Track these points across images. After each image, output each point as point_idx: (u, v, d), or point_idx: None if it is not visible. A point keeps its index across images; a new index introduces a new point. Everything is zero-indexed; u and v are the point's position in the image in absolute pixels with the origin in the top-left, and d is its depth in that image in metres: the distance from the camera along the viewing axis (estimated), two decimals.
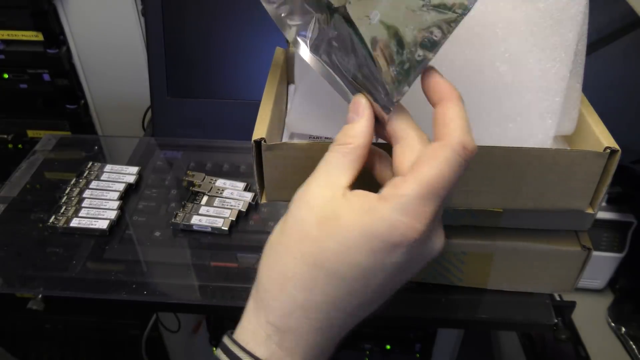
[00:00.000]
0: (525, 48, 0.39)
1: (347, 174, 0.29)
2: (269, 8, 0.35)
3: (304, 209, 0.29)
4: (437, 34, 0.29)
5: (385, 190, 0.27)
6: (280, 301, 0.28)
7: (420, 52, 0.29)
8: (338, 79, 0.34)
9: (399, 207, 0.26)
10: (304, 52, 0.35)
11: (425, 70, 0.30)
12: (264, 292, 0.29)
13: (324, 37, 0.34)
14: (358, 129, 0.30)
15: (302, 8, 0.34)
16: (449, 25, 0.29)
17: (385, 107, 0.31)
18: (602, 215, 0.69)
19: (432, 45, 0.29)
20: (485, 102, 0.40)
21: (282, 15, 0.35)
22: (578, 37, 0.39)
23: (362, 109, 0.31)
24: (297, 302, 0.28)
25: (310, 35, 0.35)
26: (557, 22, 0.38)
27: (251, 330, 0.30)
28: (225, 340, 0.31)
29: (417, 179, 0.26)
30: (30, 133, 1.06)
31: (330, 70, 0.34)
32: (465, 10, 0.28)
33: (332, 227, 0.27)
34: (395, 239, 0.26)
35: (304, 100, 0.43)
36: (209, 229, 0.63)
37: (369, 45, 0.31)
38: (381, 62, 0.31)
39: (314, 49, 0.35)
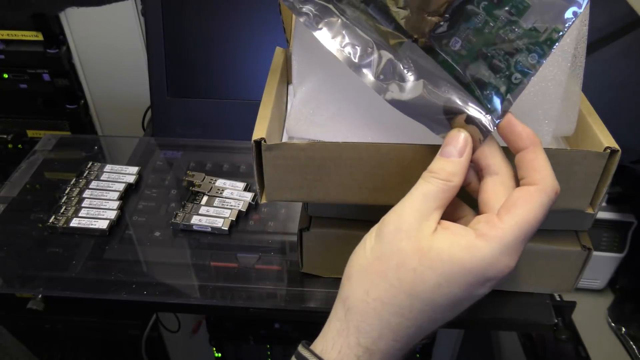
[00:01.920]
0: None
1: (441, 209, 0.31)
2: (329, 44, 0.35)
3: (403, 239, 0.29)
4: (531, 58, 0.30)
5: (483, 228, 0.29)
6: (375, 325, 0.30)
7: (517, 75, 0.30)
8: (435, 99, 0.33)
9: (498, 247, 0.28)
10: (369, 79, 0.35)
11: (506, 116, 0.31)
12: (358, 315, 0.30)
13: (394, 66, 0.34)
14: (459, 167, 0.31)
15: (358, 35, 0.35)
16: (545, 50, 0.30)
17: (486, 129, 0.31)
18: (602, 215, 0.69)
19: (527, 71, 0.30)
20: None
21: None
22: (576, 41, 0.39)
23: (464, 146, 0.31)
24: (391, 326, 0.29)
25: (374, 66, 0.35)
26: None
27: (337, 350, 0.30)
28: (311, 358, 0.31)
29: (516, 221, 0.28)
30: (30, 133, 1.06)
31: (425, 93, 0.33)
32: (561, 33, 0.29)
33: (432, 260, 0.29)
34: (490, 275, 0.29)
35: (303, 105, 0.43)
36: (209, 229, 0.63)
37: (461, 71, 0.32)
38: (474, 87, 0.32)
39: (381, 78, 0.34)
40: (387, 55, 0.34)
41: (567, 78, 0.39)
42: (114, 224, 0.64)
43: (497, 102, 0.31)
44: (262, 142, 0.37)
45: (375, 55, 0.35)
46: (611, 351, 0.68)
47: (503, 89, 0.31)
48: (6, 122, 1.06)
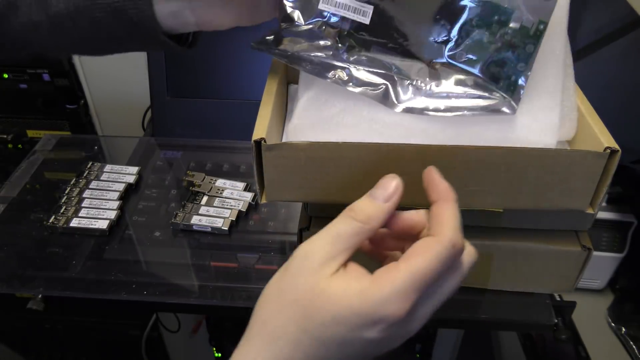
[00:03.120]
0: None
1: (350, 250, 0.31)
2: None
3: (303, 276, 0.30)
4: (528, 49, 0.38)
5: (379, 273, 0.30)
6: (270, 353, 0.31)
7: (521, 63, 0.38)
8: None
9: (388, 292, 0.29)
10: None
11: (427, 169, 0.33)
12: (258, 341, 0.31)
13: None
14: (380, 212, 0.32)
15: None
16: (537, 40, 0.37)
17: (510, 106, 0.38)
18: (602, 215, 0.69)
19: (528, 57, 0.38)
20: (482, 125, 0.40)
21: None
22: (565, 50, 0.40)
23: (392, 193, 0.32)
24: (283, 354, 0.30)
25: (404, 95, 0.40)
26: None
27: None
28: None
29: (410, 269, 0.29)
30: (30, 133, 1.06)
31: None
32: (545, 23, 0.37)
33: (323, 301, 0.30)
34: (378, 318, 0.29)
35: (303, 111, 0.43)
36: (209, 229, 0.63)
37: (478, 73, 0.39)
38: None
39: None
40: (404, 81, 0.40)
41: (562, 85, 0.40)
42: (114, 224, 0.64)
43: (511, 87, 0.38)
44: (262, 142, 0.37)
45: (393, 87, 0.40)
46: (611, 351, 0.68)
47: (513, 77, 0.38)
48: (6, 122, 1.06)
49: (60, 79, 0.99)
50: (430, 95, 0.39)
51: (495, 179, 0.39)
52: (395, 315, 0.29)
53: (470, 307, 0.54)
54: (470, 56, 0.39)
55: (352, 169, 0.39)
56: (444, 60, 0.40)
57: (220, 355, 1.09)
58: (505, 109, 0.39)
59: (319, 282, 0.30)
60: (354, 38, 0.40)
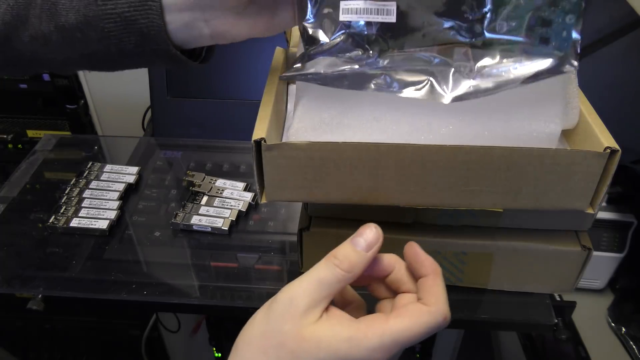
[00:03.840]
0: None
1: (332, 296, 0.33)
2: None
3: (288, 321, 0.31)
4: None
5: (366, 323, 0.31)
6: None
7: (570, 15, 0.35)
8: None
9: (375, 344, 0.30)
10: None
11: (408, 245, 0.35)
12: None
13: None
14: (362, 260, 0.33)
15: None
16: None
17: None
18: (602, 215, 0.69)
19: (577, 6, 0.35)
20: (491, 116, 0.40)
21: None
22: None
23: (373, 242, 0.33)
24: None
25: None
26: None
27: None
28: None
29: (400, 327, 0.31)
30: (30, 133, 1.06)
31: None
32: None
33: (311, 347, 0.31)
34: None
35: (304, 113, 0.43)
36: (209, 229, 0.63)
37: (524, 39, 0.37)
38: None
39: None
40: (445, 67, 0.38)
41: (564, 78, 0.40)
42: (114, 224, 0.64)
43: (565, 43, 0.36)
44: (262, 142, 0.37)
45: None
46: (611, 351, 0.68)
47: (564, 33, 0.35)
48: (6, 122, 1.06)
49: (60, 79, 0.99)
50: (478, 76, 0.37)
51: (495, 179, 0.39)
52: None
53: (470, 307, 0.54)
54: (512, 23, 0.36)
55: (352, 169, 0.39)
56: (484, 37, 0.37)
57: (220, 355, 1.09)
58: (566, 67, 0.36)
59: (307, 328, 0.31)
60: (384, 40, 0.38)
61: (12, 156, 1.07)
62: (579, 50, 0.35)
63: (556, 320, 0.53)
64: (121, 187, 0.69)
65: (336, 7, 0.37)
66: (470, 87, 0.37)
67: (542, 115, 0.40)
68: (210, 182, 0.69)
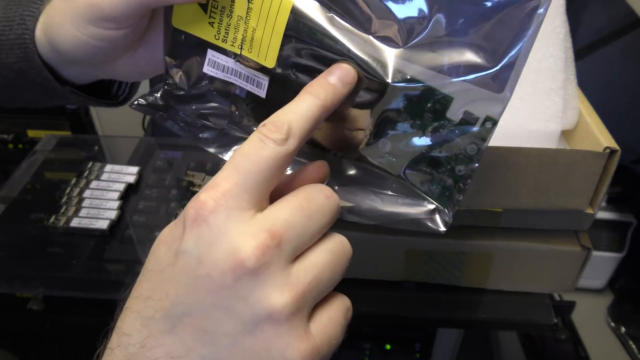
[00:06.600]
0: None
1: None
2: None
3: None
4: (470, 150, 0.28)
5: None
6: None
7: (460, 167, 0.28)
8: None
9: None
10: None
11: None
12: None
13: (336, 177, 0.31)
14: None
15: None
16: (482, 141, 0.27)
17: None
18: (602, 215, 0.69)
19: (470, 160, 0.27)
20: None
21: None
22: (565, 30, 0.39)
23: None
24: None
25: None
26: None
27: None
28: None
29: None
30: (30, 133, 1.06)
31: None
32: (494, 123, 0.27)
33: None
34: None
35: None
36: None
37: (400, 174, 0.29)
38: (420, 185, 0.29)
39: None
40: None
41: (564, 66, 0.40)
42: (114, 224, 0.64)
43: (444, 197, 0.29)
44: None
45: None
46: (611, 351, 0.68)
47: (449, 182, 0.28)
48: (6, 122, 1.06)
49: None
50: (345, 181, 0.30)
51: (495, 179, 0.39)
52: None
53: (470, 307, 0.54)
54: (391, 152, 0.28)
55: None
56: (355, 155, 0.29)
57: None
58: (435, 223, 0.29)
59: None
60: (250, 109, 0.31)
61: (13, 156, 1.07)
62: (456, 206, 0.29)
63: (556, 320, 0.53)
64: (121, 187, 0.69)
65: (203, 56, 0.31)
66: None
67: (542, 115, 0.40)
68: None
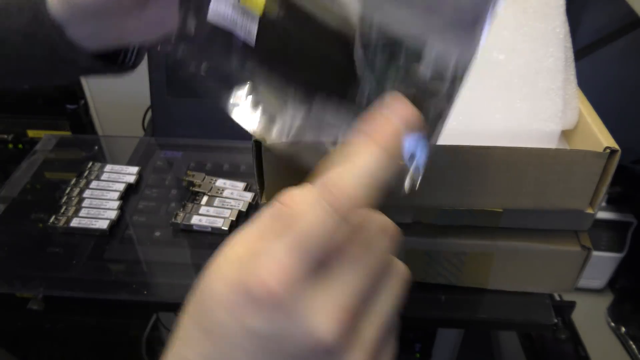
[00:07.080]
0: (517, 38, 0.39)
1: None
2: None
3: None
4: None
5: None
6: None
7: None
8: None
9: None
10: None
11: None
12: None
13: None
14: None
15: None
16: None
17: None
18: (602, 215, 0.69)
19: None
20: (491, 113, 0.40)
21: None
22: (565, 30, 0.40)
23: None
24: None
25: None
26: (542, 15, 0.39)
27: None
28: None
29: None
30: (30, 133, 1.06)
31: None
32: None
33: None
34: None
35: None
36: (209, 229, 0.63)
37: None
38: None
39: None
40: None
41: (564, 66, 0.40)
42: (114, 224, 0.64)
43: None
44: (262, 142, 0.37)
45: None
46: (610, 351, 0.68)
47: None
48: (6, 122, 1.06)
49: None
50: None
51: (495, 179, 0.39)
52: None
53: (470, 307, 0.54)
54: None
55: None
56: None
57: None
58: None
59: None
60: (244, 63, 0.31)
61: (13, 156, 1.08)
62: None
63: (556, 320, 0.53)
64: (121, 187, 0.69)
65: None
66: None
67: (542, 115, 0.40)
68: (210, 182, 0.69)
